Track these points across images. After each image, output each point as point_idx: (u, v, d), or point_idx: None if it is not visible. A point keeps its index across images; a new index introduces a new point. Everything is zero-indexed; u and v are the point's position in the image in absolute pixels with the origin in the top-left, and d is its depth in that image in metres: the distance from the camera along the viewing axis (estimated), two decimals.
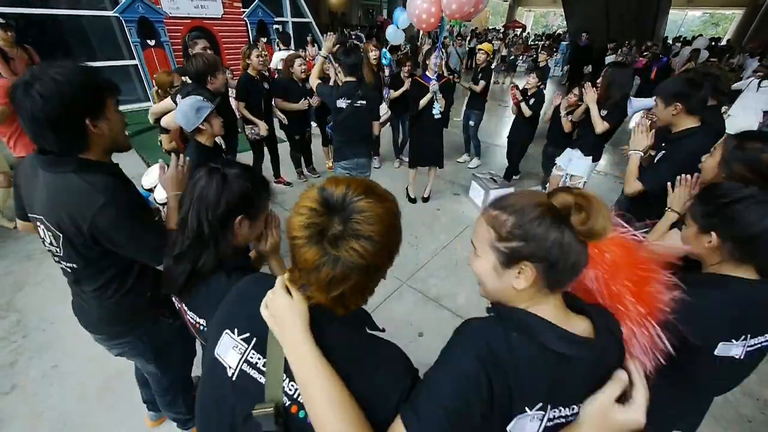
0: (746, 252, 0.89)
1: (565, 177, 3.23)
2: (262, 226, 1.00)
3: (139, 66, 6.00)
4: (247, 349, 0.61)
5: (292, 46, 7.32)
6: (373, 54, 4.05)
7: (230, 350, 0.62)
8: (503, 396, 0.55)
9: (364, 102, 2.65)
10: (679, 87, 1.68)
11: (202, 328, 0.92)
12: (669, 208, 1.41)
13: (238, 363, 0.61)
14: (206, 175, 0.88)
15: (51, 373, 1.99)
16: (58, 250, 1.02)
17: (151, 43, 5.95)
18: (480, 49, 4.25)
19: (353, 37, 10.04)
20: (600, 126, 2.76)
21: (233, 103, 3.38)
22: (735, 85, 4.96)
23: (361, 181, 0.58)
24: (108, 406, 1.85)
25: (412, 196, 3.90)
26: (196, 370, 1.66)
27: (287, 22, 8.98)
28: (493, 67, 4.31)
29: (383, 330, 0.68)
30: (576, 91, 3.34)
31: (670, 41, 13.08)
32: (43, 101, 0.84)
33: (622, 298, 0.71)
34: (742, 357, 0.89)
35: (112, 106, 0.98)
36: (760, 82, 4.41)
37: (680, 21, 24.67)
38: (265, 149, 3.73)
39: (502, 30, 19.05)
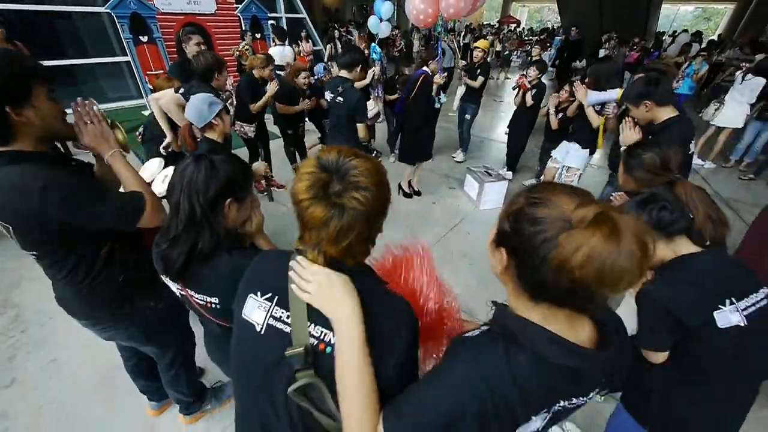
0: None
1: (561, 169, 3.29)
2: (249, 208, 1.04)
3: (131, 62, 5.94)
4: (271, 306, 0.70)
5: (287, 41, 7.28)
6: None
7: (256, 310, 0.71)
8: (504, 417, 0.55)
9: (342, 99, 2.63)
10: (640, 88, 1.84)
11: (214, 306, 0.96)
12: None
13: (265, 319, 0.70)
14: (194, 162, 0.92)
15: (49, 366, 2.01)
16: (15, 241, 1.02)
17: (144, 39, 5.90)
18: (476, 47, 4.34)
19: (346, 35, 9.97)
20: (596, 121, 2.84)
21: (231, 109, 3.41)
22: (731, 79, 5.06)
23: (348, 147, 0.66)
24: (107, 397, 1.87)
25: (407, 191, 3.92)
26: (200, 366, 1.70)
27: (281, 17, 8.94)
28: (488, 61, 4.40)
29: (387, 283, 0.75)
30: (567, 87, 3.40)
31: (669, 36, 13.13)
32: None
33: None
34: (746, 323, 0.92)
35: (42, 93, 0.94)
36: (743, 76, 4.49)
37: (672, 16, 24.83)
38: (261, 151, 3.79)
39: (496, 25, 19.07)
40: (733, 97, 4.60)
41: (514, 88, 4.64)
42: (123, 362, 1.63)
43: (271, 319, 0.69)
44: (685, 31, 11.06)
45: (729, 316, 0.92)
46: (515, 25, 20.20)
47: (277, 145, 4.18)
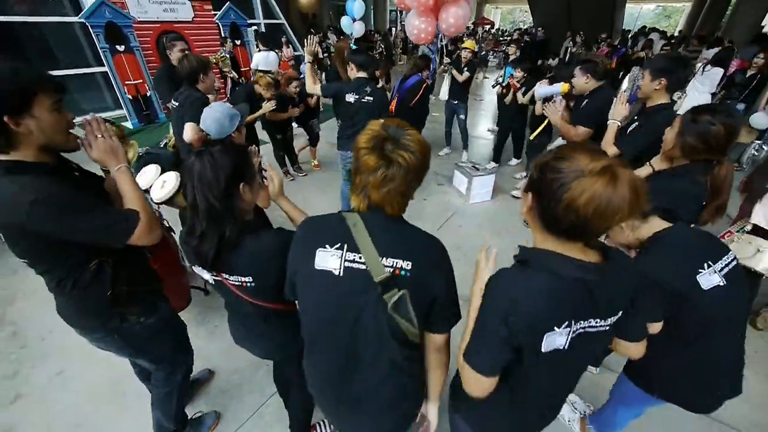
0: None
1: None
2: (260, 186, 1.11)
3: (109, 72, 5.81)
4: (343, 252, 0.83)
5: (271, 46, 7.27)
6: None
7: (330, 258, 0.83)
8: (527, 330, 0.72)
9: (371, 98, 2.76)
10: (668, 63, 1.83)
11: (249, 284, 1.04)
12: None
13: (341, 263, 0.83)
14: (197, 159, 0.97)
15: (56, 379, 1.99)
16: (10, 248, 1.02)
17: (121, 48, 5.77)
18: (465, 48, 4.57)
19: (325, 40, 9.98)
20: (580, 135, 2.51)
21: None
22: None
23: (405, 122, 0.82)
24: (118, 403, 1.87)
25: None
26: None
27: (259, 23, 8.92)
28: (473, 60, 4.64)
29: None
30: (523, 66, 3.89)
31: (642, 36, 13.74)
32: None
33: None
34: (724, 282, 1.03)
35: (45, 104, 0.92)
36: (703, 68, 4.84)
37: (636, 14, 26.06)
38: None
39: (471, 27, 19.52)
40: (694, 87, 4.94)
41: (494, 86, 4.84)
42: (132, 366, 1.65)
43: (346, 262, 0.82)
44: (654, 29, 11.56)
45: (710, 278, 1.03)
46: (489, 26, 20.75)
47: (266, 150, 4.21)
